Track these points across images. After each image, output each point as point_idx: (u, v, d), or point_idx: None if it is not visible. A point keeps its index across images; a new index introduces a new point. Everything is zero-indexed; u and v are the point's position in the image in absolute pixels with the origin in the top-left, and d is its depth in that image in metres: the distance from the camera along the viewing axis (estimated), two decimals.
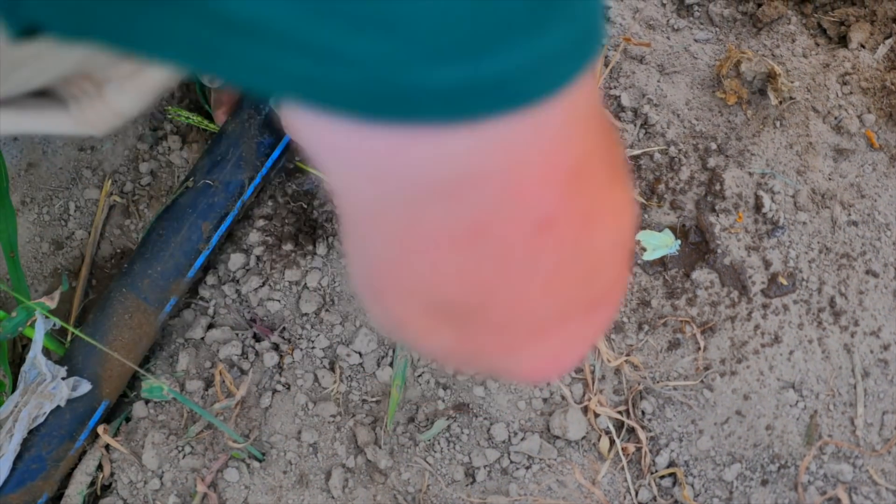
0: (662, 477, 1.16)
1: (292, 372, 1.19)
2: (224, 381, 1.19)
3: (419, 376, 1.18)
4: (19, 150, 1.28)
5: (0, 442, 1.12)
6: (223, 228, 1.20)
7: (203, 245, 1.18)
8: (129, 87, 0.73)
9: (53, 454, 1.14)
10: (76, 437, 1.16)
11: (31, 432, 1.14)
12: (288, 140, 1.21)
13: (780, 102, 1.20)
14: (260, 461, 1.16)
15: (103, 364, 1.15)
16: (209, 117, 1.28)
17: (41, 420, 1.13)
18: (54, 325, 1.21)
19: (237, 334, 1.22)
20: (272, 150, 1.20)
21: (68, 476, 1.18)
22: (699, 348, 1.16)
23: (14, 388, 1.17)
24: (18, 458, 1.13)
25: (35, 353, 1.13)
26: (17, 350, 1.22)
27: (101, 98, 0.72)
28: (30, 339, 1.15)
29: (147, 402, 1.20)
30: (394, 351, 1.19)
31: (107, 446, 1.18)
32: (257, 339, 1.21)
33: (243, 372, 1.20)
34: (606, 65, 1.23)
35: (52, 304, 1.13)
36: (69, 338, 1.22)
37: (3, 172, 1.16)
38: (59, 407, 1.14)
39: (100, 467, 1.18)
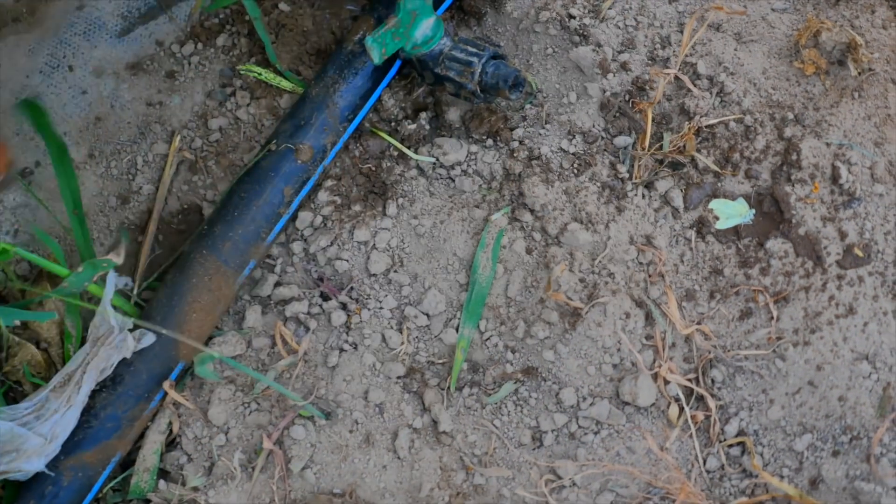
0: (731, 446, 1.16)
1: (360, 332, 1.20)
2: (285, 339, 1.20)
3: (487, 339, 1.19)
4: (87, 103, 1.29)
5: (69, 393, 1.13)
6: (304, 192, 1.22)
7: (284, 209, 1.20)
8: None
9: (129, 414, 1.15)
10: (151, 398, 1.17)
11: (107, 391, 1.15)
12: (370, 106, 1.24)
13: (860, 73, 1.21)
14: (327, 420, 1.17)
15: (181, 325, 1.16)
16: (279, 73, 1.29)
17: (109, 372, 1.14)
18: (126, 283, 1.22)
19: (304, 293, 1.22)
20: (355, 115, 1.23)
21: (141, 436, 1.18)
22: (772, 318, 1.17)
23: (83, 341, 1.18)
24: (94, 416, 1.14)
25: (104, 307, 1.13)
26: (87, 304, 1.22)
27: None
28: (95, 295, 1.16)
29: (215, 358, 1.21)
30: (461, 313, 1.19)
31: (175, 403, 1.19)
32: (325, 297, 1.22)
33: (309, 330, 1.20)
34: (691, 35, 1.23)
35: (119, 260, 1.13)
36: (135, 293, 1.23)
37: (52, 131, 1.15)
38: (135, 366, 1.15)
39: (169, 425, 1.19)
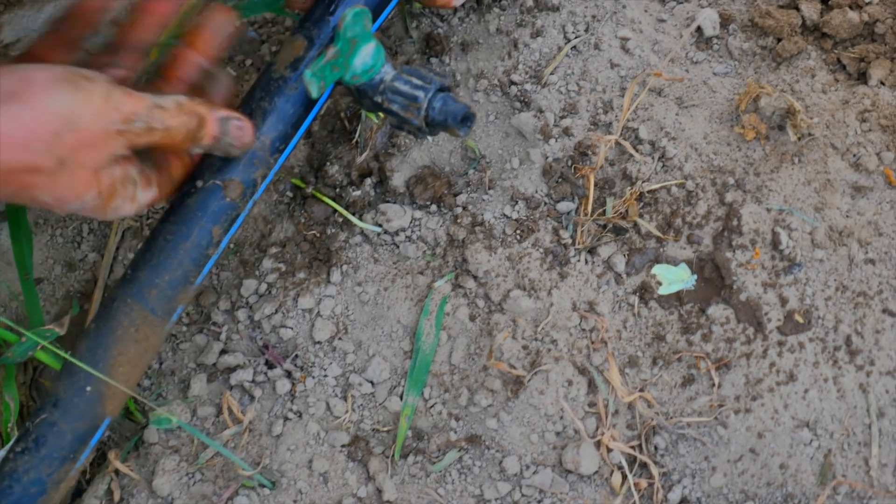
0: None
1: (304, 400, 1.20)
2: (231, 408, 1.20)
3: (431, 407, 1.20)
4: None
5: None
6: (233, 230, 1.15)
7: (212, 250, 1.13)
8: None
9: (54, 476, 1.10)
10: (77, 457, 1.11)
11: (29, 454, 1.12)
12: (300, 136, 1.17)
13: (799, 139, 1.22)
14: (270, 490, 1.18)
15: (105, 379, 1.10)
16: None
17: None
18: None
19: (249, 360, 1.23)
20: (286, 146, 1.15)
21: (70, 499, 1.18)
22: (714, 385, 1.18)
23: (21, 413, 1.18)
24: (17, 481, 1.09)
25: None
26: (30, 373, 1.23)
27: None
28: (41, 362, 1.16)
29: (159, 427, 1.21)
30: (405, 380, 1.20)
31: (116, 471, 1.19)
32: (270, 365, 1.23)
33: (254, 398, 1.21)
34: (632, 101, 1.25)
35: (62, 331, 1.14)
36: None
37: None
38: (58, 426, 1.12)
39: (108, 492, 1.20)
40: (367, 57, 1.12)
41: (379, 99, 1.13)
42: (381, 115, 1.17)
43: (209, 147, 1.04)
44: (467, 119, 1.13)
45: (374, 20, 1.16)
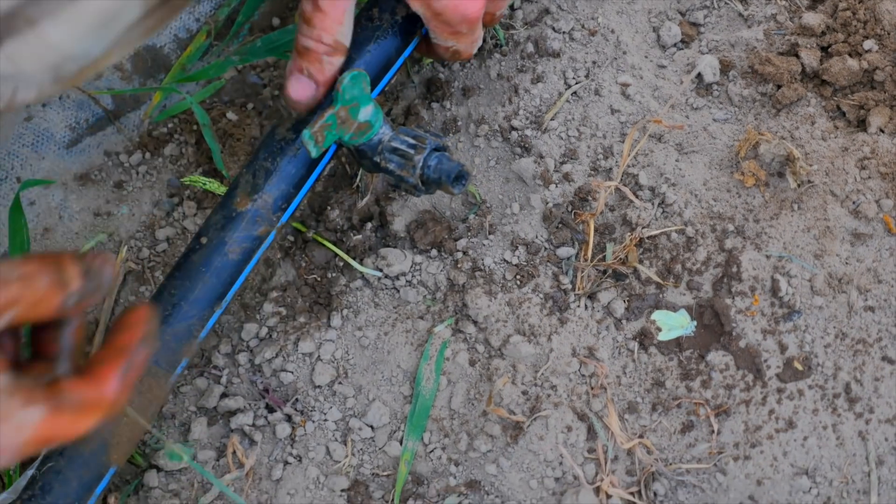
0: None
1: (304, 444, 1.22)
2: (235, 452, 1.22)
3: (431, 451, 1.22)
4: (35, 214, 1.32)
5: None
6: (236, 287, 1.19)
7: (217, 305, 1.18)
8: (64, 18, 0.75)
9: None
10: None
11: (35, 501, 1.15)
12: (305, 192, 1.21)
13: (799, 185, 1.24)
14: None
15: (112, 429, 1.15)
16: (225, 182, 1.32)
17: None
18: None
19: (250, 404, 1.25)
20: (288, 204, 1.19)
21: None
22: (713, 431, 1.19)
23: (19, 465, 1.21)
24: None
25: None
26: None
27: (34, 33, 0.75)
28: None
29: (159, 470, 1.23)
30: (405, 425, 1.22)
31: None
32: (270, 409, 1.25)
33: (254, 443, 1.23)
34: (632, 147, 1.27)
35: None
36: None
37: (26, 235, 1.20)
38: (64, 474, 1.16)
39: None
40: (365, 118, 1.16)
41: (377, 159, 1.17)
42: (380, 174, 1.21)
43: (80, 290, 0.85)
44: (461, 178, 1.17)
45: (376, 85, 1.21)
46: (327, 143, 1.15)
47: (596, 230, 1.26)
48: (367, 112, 1.15)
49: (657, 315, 1.24)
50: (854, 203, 1.25)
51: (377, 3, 1.21)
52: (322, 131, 1.14)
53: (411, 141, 1.17)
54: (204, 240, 1.17)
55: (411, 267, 1.28)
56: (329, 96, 1.16)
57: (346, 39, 1.13)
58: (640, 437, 1.20)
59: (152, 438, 1.25)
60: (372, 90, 1.19)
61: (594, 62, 1.34)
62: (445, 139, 1.21)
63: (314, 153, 1.15)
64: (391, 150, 1.17)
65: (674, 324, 1.23)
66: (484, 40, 1.35)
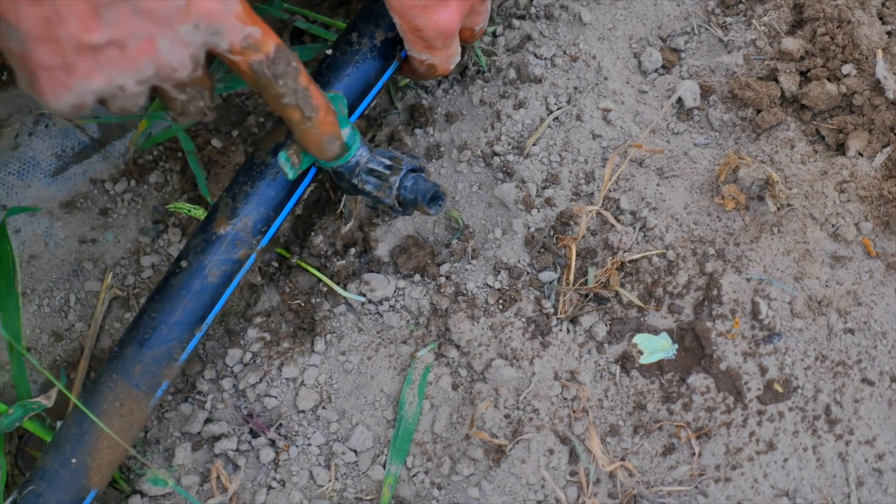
0: None
1: (287, 469, 1.24)
2: (219, 477, 1.23)
3: (414, 476, 1.23)
4: (21, 241, 1.34)
5: None
6: (216, 310, 1.20)
7: (197, 329, 1.19)
8: None
9: None
10: None
11: None
12: (285, 216, 1.22)
13: (778, 209, 1.26)
14: None
15: (92, 452, 1.16)
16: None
17: None
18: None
19: (234, 429, 1.26)
20: (268, 227, 1.20)
21: None
22: (694, 454, 1.21)
23: (7, 480, 1.22)
24: None
25: None
26: (14, 441, 1.26)
27: None
28: (28, 431, 1.20)
29: (143, 496, 1.24)
30: (388, 449, 1.23)
31: None
32: (254, 434, 1.26)
33: (238, 467, 1.24)
34: (613, 172, 1.29)
35: (49, 403, 1.18)
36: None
37: (12, 262, 1.21)
38: (44, 498, 1.16)
39: None
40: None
41: (355, 181, 1.19)
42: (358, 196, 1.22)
43: None
44: (437, 198, 1.19)
45: (355, 109, 1.23)
46: (304, 165, 1.17)
47: (578, 254, 1.28)
48: (344, 134, 1.16)
49: (639, 338, 1.25)
50: (833, 226, 1.26)
51: (356, 28, 1.23)
52: (298, 153, 1.16)
53: (387, 162, 1.19)
54: (184, 263, 1.18)
55: (395, 292, 1.29)
56: None
57: None
58: (622, 459, 1.22)
59: (137, 464, 1.26)
60: (352, 114, 1.21)
61: (576, 88, 1.35)
62: (422, 160, 1.23)
63: (291, 175, 1.17)
64: (368, 172, 1.18)
65: (655, 347, 1.25)
66: (466, 66, 1.37)
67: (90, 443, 1.16)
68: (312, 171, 1.21)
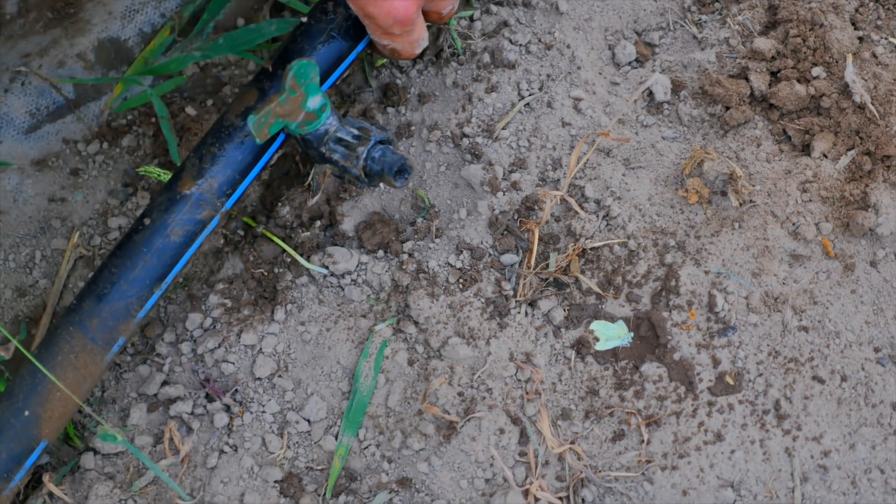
0: None
1: (241, 434, 1.25)
2: (172, 439, 1.25)
3: (365, 448, 1.25)
4: None
5: None
6: (177, 269, 1.21)
7: (156, 287, 1.20)
8: None
9: None
10: (11, 477, 1.18)
11: None
12: (251, 180, 1.23)
13: (741, 205, 1.28)
14: None
15: (44, 403, 1.18)
16: None
17: None
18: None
19: (190, 393, 1.28)
20: (233, 191, 1.22)
21: None
22: (643, 441, 1.22)
23: None
24: None
25: None
26: None
27: None
28: None
29: (96, 453, 1.26)
30: (341, 421, 1.25)
31: (50, 494, 1.24)
32: (209, 399, 1.27)
33: (192, 430, 1.26)
34: (579, 159, 1.31)
35: (7, 355, 1.20)
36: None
37: None
38: None
39: None
40: (312, 108, 1.19)
41: (323, 149, 1.21)
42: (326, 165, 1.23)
43: None
44: (403, 171, 1.21)
45: (327, 77, 1.24)
46: (273, 129, 1.18)
47: (540, 239, 1.30)
48: (314, 102, 1.18)
49: (595, 325, 1.27)
50: (794, 225, 1.28)
51: None
52: (266, 117, 1.17)
53: (356, 132, 1.20)
54: (147, 220, 1.20)
55: (357, 266, 1.31)
56: (278, 85, 1.20)
57: None
58: (572, 443, 1.23)
59: (92, 422, 1.28)
60: (324, 82, 1.23)
61: (549, 75, 1.38)
62: (391, 132, 1.24)
63: (259, 139, 1.18)
64: (336, 141, 1.20)
65: (611, 334, 1.27)
66: (441, 48, 1.39)
67: (42, 394, 1.18)
68: (281, 137, 1.23)
